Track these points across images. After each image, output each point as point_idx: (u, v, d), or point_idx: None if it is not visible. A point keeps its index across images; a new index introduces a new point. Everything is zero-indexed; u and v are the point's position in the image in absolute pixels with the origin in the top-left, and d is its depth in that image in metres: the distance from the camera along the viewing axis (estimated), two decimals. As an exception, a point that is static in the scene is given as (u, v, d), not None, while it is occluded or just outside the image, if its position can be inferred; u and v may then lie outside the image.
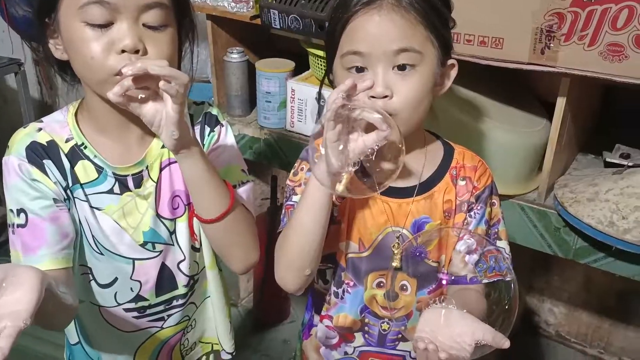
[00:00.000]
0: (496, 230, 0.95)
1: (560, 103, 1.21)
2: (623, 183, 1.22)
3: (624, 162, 1.31)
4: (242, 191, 0.94)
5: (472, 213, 0.91)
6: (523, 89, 1.45)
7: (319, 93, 0.96)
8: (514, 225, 1.36)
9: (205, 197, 0.85)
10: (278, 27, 1.47)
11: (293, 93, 1.58)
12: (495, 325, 0.80)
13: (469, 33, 1.17)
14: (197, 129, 0.93)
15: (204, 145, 0.92)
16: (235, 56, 1.65)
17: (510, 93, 1.39)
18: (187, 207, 0.92)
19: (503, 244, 0.95)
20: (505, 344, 0.75)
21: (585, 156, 1.49)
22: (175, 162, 0.87)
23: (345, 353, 0.98)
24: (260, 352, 1.99)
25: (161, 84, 0.72)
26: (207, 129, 0.93)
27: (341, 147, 0.77)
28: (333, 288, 0.95)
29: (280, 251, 0.87)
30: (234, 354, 1.11)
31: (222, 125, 0.95)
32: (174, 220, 0.92)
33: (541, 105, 1.43)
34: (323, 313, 0.97)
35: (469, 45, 1.18)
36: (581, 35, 1.07)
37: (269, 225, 1.95)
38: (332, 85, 0.90)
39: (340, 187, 0.87)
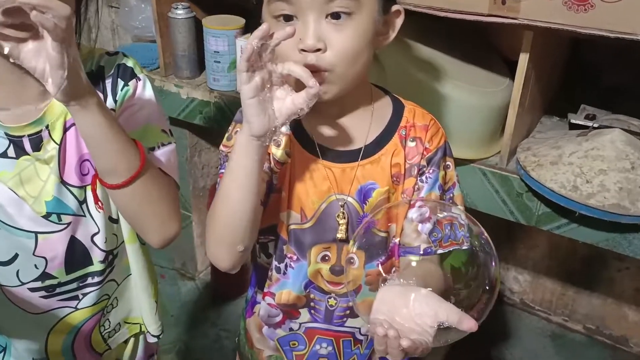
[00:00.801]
0: (451, 195, 0.87)
1: (523, 60, 1.13)
2: (587, 145, 1.16)
3: (589, 124, 1.25)
4: (162, 154, 0.83)
5: (423, 177, 0.83)
6: (485, 46, 1.37)
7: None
8: (475, 191, 1.29)
9: (107, 158, 0.74)
10: (223, -22, 1.35)
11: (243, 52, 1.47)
12: (474, 307, 0.72)
13: (425, -18, 1.08)
14: (109, 82, 0.82)
15: (116, 101, 0.81)
16: (180, 12, 1.54)
17: (472, 50, 1.31)
18: None
19: (458, 210, 0.88)
20: (474, 326, 0.67)
21: (550, 118, 1.42)
22: None
23: (291, 329, 0.90)
24: (218, 327, 1.92)
25: (33, 14, 0.59)
26: (121, 83, 0.82)
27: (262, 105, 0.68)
28: (275, 263, 0.86)
29: (209, 225, 0.78)
30: (160, 336, 1.01)
31: (139, 79, 0.84)
32: (83, 187, 0.81)
33: (504, 64, 1.35)
34: (265, 290, 0.89)
35: (425, -5, 1.09)
36: (544, -17, 0.98)
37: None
38: None
39: (278, 152, 0.78)
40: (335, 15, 0.70)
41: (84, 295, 0.88)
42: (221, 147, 0.84)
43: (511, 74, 1.28)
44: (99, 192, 0.82)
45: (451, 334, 0.68)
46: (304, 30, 0.70)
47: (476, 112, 1.24)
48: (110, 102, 0.81)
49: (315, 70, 0.71)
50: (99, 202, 0.82)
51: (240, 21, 1.51)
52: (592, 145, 1.16)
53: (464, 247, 0.80)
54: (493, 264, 0.74)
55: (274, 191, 0.82)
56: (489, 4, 1.04)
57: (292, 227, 0.83)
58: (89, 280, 0.88)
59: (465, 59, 1.29)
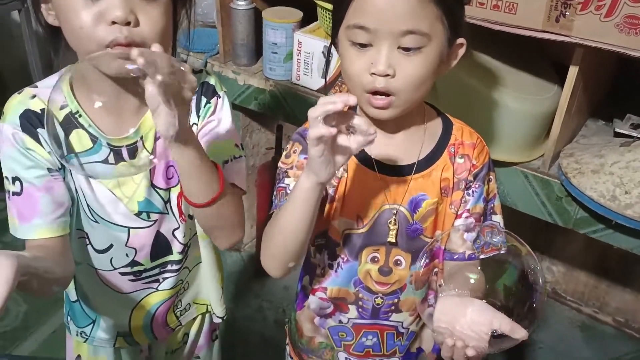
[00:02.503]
0: (492, 205, 0.95)
1: (573, 72, 1.17)
2: (630, 156, 1.20)
3: (634, 134, 1.29)
4: (234, 166, 0.92)
5: (470, 191, 0.90)
6: (535, 52, 1.40)
7: (328, 51, 0.91)
8: (516, 192, 1.35)
9: (194, 183, 0.83)
10: (285, -25, 1.41)
11: (300, 45, 1.54)
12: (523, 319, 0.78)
13: (482, -5, 1.12)
14: (194, 99, 0.90)
15: (199, 116, 0.90)
16: (241, 3, 1.60)
17: (522, 56, 1.35)
18: None
19: (498, 218, 0.96)
20: (525, 335, 0.74)
21: (595, 122, 1.46)
22: None
23: (340, 321, 1.00)
24: (261, 298, 2.04)
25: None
26: (204, 100, 0.91)
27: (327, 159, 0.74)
28: (327, 261, 0.95)
29: (265, 241, 0.86)
30: (224, 318, 1.13)
31: (219, 97, 0.92)
32: (168, 189, 0.92)
33: (553, 70, 1.38)
34: (316, 286, 0.98)
35: (481, 8, 1.13)
36: (598, 5, 1.02)
37: (273, 174, 1.95)
38: (336, 47, 0.87)
39: (339, 171, 0.87)
40: (407, 48, 0.77)
41: (164, 279, 1.00)
42: (280, 164, 0.92)
43: (560, 80, 1.32)
44: (182, 207, 0.92)
45: (505, 342, 0.75)
46: (377, 57, 0.77)
47: (523, 119, 1.29)
48: (193, 117, 0.90)
49: (382, 94, 0.79)
50: (182, 215, 0.92)
51: (298, 14, 1.57)
52: (634, 157, 1.20)
53: (502, 252, 0.87)
54: (541, 281, 0.80)
55: (330, 201, 0.90)
56: (543, 20, 1.07)
57: (346, 231, 0.91)
58: (169, 267, 0.99)
59: (514, 65, 1.33)
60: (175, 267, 0.99)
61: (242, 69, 1.70)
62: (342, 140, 0.73)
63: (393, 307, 0.96)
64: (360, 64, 0.79)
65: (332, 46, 0.88)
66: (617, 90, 1.51)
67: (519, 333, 0.74)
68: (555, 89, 1.32)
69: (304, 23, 1.57)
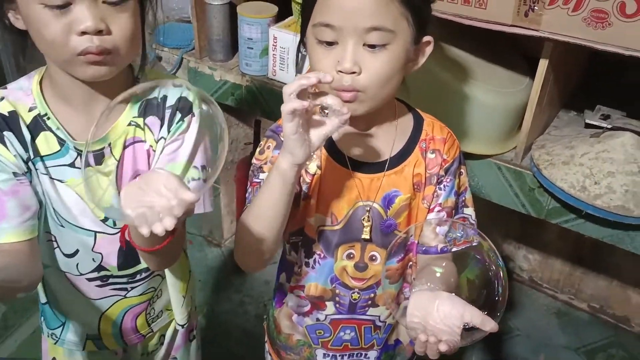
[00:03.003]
0: (463, 198, 0.97)
1: (543, 65, 1.19)
2: (599, 147, 1.23)
3: (604, 124, 1.31)
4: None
5: (441, 185, 0.92)
6: (507, 45, 1.42)
7: (298, 47, 0.92)
8: (490, 184, 1.37)
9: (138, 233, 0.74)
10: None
11: (275, 41, 1.54)
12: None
13: (452, -10, 1.13)
14: (169, 112, 0.87)
15: (169, 131, 0.87)
16: (216, -1, 1.60)
17: (494, 49, 1.36)
18: None
19: (469, 211, 0.97)
20: (495, 327, 0.76)
21: (567, 113, 1.48)
22: (141, 141, 0.85)
23: (317, 319, 1.01)
24: (242, 293, 2.04)
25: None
26: (178, 116, 0.87)
27: (303, 136, 0.75)
28: (304, 259, 0.96)
29: (239, 235, 0.87)
30: (184, 326, 1.12)
31: (194, 115, 0.88)
32: None
33: (525, 63, 1.40)
34: (293, 284, 0.99)
35: (452, 3, 1.14)
36: None
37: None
38: (304, 46, 0.87)
39: (310, 165, 0.87)
40: (372, 45, 0.77)
41: (132, 287, 0.99)
42: (254, 160, 0.92)
43: (531, 72, 1.33)
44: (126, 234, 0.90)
45: (475, 334, 0.77)
46: (342, 54, 0.78)
47: (496, 112, 1.30)
48: (163, 131, 0.87)
49: (349, 90, 0.79)
50: (123, 239, 0.91)
51: (274, 9, 1.57)
52: (603, 148, 1.22)
53: (474, 244, 0.89)
54: (501, 274, 0.82)
55: (304, 198, 0.91)
56: (512, 15, 1.09)
57: (321, 228, 0.92)
58: (137, 276, 0.99)
59: (486, 58, 1.34)
60: (144, 274, 0.99)
61: (218, 64, 1.70)
62: (317, 119, 0.76)
63: (370, 302, 0.98)
64: (327, 62, 0.79)
65: (302, 44, 0.88)
66: (589, 81, 1.54)
67: (489, 325, 0.76)
68: (527, 82, 1.34)
69: (279, 18, 1.58)
